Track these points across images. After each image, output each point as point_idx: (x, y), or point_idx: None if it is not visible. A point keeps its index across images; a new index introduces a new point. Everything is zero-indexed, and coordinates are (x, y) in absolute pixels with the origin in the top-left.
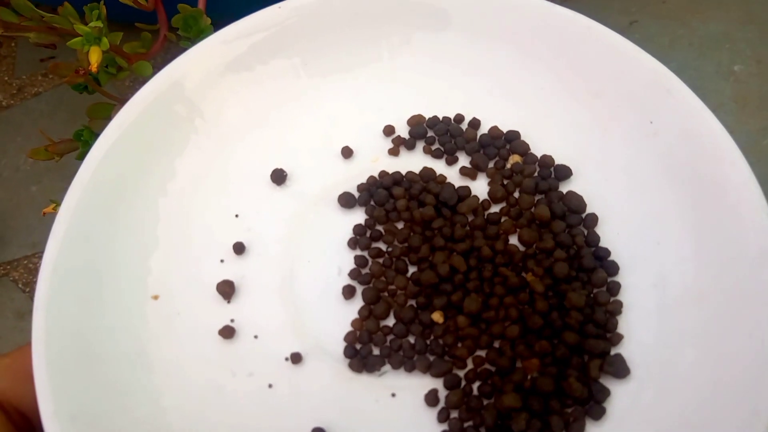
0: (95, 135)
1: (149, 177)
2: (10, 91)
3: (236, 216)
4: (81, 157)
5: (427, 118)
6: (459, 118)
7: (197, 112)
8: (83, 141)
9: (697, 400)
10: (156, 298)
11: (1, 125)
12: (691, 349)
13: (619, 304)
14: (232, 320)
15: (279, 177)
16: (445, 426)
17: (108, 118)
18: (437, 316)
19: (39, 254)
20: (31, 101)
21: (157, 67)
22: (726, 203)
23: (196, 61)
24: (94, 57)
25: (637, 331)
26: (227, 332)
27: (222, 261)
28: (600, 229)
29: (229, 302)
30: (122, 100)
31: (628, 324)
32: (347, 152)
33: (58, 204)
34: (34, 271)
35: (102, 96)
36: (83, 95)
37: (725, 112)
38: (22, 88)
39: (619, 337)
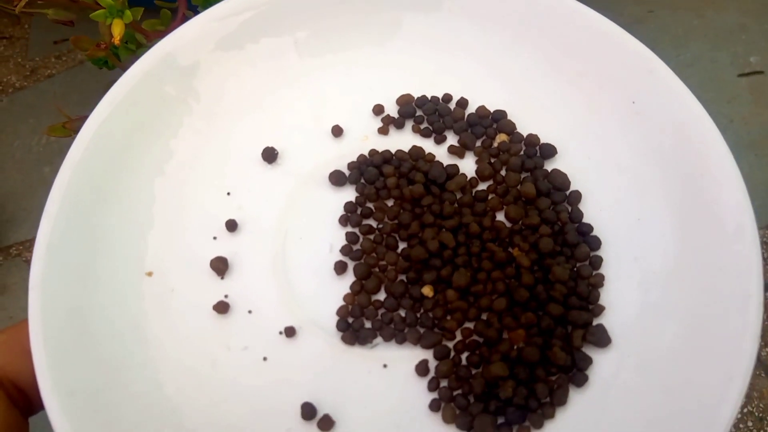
0: None
1: (142, 156)
2: (23, 72)
3: (228, 194)
4: None
5: (415, 98)
6: (447, 98)
7: (189, 91)
8: None
9: (676, 369)
10: (150, 275)
11: (14, 106)
12: (670, 321)
13: (601, 278)
14: (225, 296)
15: (270, 155)
16: (435, 395)
17: None
18: (427, 290)
19: None
20: (44, 83)
21: None
22: (705, 181)
23: (186, 39)
24: (117, 29)
25: (619, 303)
26: (221, 307)
27: (215, 238)
28: (583, 206)
29: (222, 278)
30: None
31: (609, 296)
32: (337, 131)
33: None
34: None
35: (120, 72)
36: (95, 77)
37: (740, 104)
38: (35, 70)
39: (601, 309)
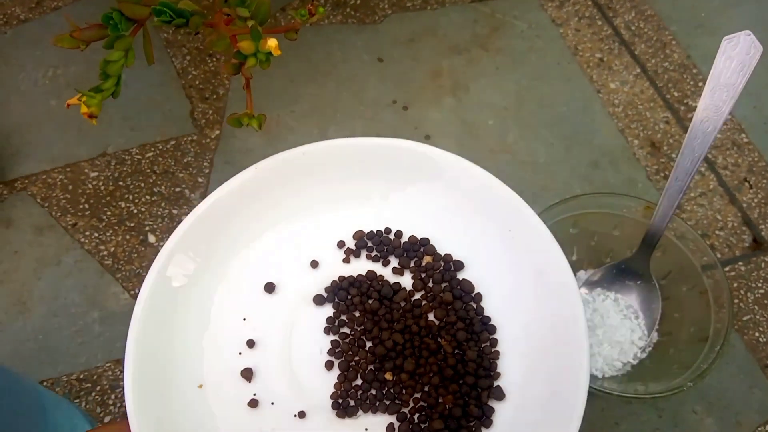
0: (126, 19)
1: (186, 311)
2: (28, 4)
3: (244, 319)
4: (107, 45)
5: (366, 233)
6: (388, 231)
7: (207, 258)
8: (112, 25)
9: (541, 407)
10: (201, 387)
11: (19, 39)
12: (536, 381)
13: (497, 353)
14: (254, 394)
15: (270, 288)
16: None
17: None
18: (389, 375)
19: (58, 169)
20: (50, 15)
21: None
22: (553, 284)
23: (201, 219)
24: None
25: (509, 369)
26: (253, 403)
27: (240, 354)
28: (484, 303)
29: (250, 382)
30: None
31: (503, 365)
32: (315, 264)
33: (83, 94)
34: (53, 186)
35: None
36: (102, 9)
37: None
38: (41, 2)
39: (498, 375)
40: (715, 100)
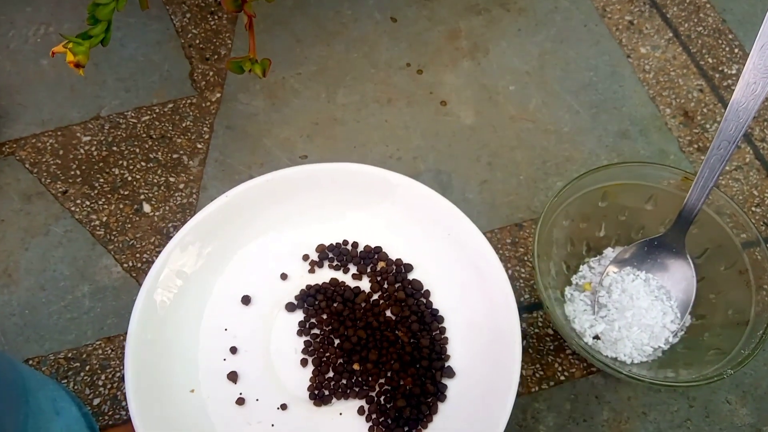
0: None
1: (178, 325)
2: None
3: (225, 329)
4: None
5: (326, 245)
6: (345, 243)
7: (193, 279)
8: None
9: (485, 380)
10: (193, 391)
11: None
12: (478, 358)
13: (446, 339)
14: (241, 393)
15: (246, 300)
16: (370, 423)
17: None
18: (356, 366)
19: (48, 133)
20: None
21: None
22: (487, 275)
23: (180, 242)
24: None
25: (456, 352)
26: (240, 401)
27: (224, 360)
28: (432, 298)
29: (236, 383)
30: None
31: (452, 348)
32: (284, 276)
33: (69, 41)
34: (42, 151)
35: None
36: None
37: None
38: None
39: (448, 357)
40: (765, 59)
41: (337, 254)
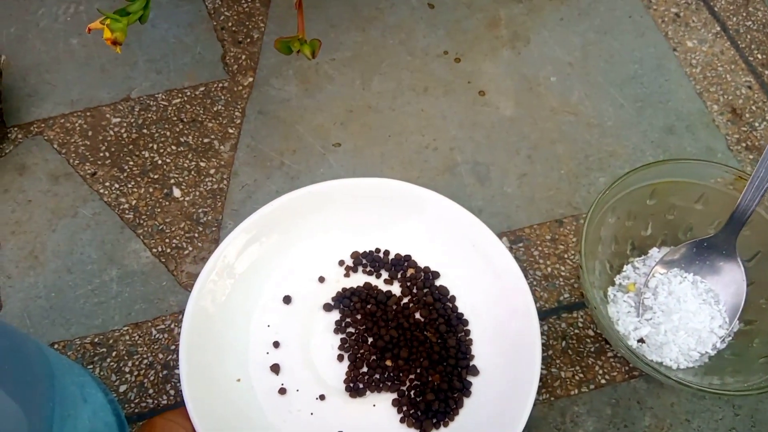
0: None
1: (226, 324)
2: None
3: (268, 326)
4: None
5: (360, 252)
6: (378, 251)
7: (244, 279)
8: None
9: (506, 379)
10: (239, 380)
11: None
12: (501, 358)
13: (471, 341)
14: (282, 384)
15: (288, 299)
16: (402, 414)
17: None
18: (388, 362)
19: (77, 113)
20: None
21: None
22: (511, 285)
23: (231, 244)
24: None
25: (481, 352)
26: (282, 391)
27: (267, 353)
28: (458, 303)
29: (278, 375)
30: None
31: (477, 349)
32: (322, 279)
33: (107, 17)
34: (71, 131)
35: None
36: None
37: None
38: None
39: (472, 357)
40: None
41: (371, 261)
